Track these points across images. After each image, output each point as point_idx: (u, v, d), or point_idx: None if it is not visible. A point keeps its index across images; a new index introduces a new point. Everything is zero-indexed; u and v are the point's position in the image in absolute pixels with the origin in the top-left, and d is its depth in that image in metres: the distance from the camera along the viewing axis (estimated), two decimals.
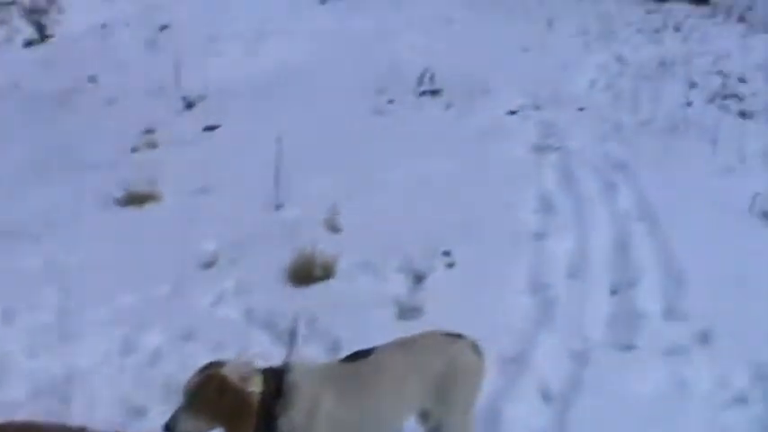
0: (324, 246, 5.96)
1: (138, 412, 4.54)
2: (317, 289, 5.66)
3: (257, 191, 7.06)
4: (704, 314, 5.23)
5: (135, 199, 7.29)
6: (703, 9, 23.96)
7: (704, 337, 5.08)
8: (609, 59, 14.04)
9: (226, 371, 3.36)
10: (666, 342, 5.05)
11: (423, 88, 10.74)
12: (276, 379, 3.42)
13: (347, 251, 6.01)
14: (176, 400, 4.51)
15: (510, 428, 4.24)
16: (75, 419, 4.02)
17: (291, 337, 3.61)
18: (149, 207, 7.22)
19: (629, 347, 5.02)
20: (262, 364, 3.56)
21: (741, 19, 21.00)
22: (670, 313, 5.39)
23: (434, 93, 10.64)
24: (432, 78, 10.87)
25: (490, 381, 3.99)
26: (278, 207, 6.93)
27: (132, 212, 7.14)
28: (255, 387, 3.37)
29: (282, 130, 7.58)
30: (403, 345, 3.72)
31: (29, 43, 14.63)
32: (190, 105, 10.35)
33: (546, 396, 4.56)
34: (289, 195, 6.97)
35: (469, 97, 10.39)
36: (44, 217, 7.00)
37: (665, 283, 5.75)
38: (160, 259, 6.18)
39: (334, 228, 6.55)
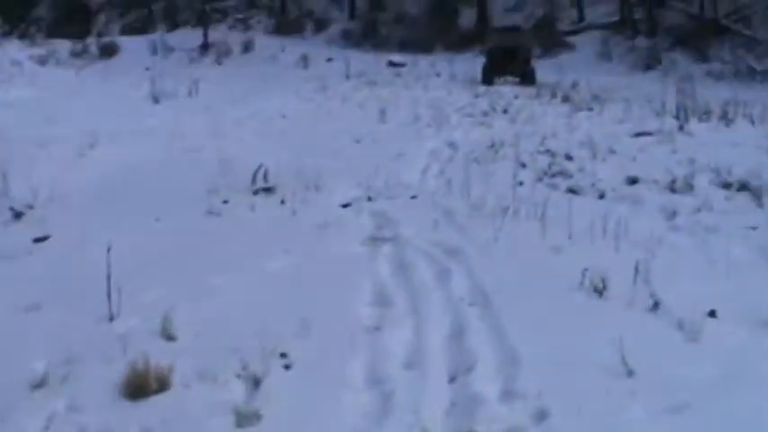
0: (159, 356, 5.84)
1: None
2: (152, 402, 5.51)
3: (90, 304, 6.89)
4: (540, 393, 5.36)
5: None
6: (530, 90, 25.00)
7: (541, 416, 5.20)
8: (440, 145, 14.45)
9: None
10: (504, 424, 5.14)
11: (256, 186, 10.79)
12: None
13: (183, 360, 5.91)
14: None
15: None
16: None
17: None
18: None
19: None
20: None
21: (565, 99, 21.98)
22: (507, 395, 5.50)
23: (268, 190, 10.71)
24: (265, 176, 10.94)
25: None
26: (111, 319, 6.78)
27: None
28: None
29: (115, 238, 7.45)
30: None
31: None
32: (18, 216, 10.08)
33: None
34: (122, 306, 6.83)
35: (304, 192, 10.50)
36: None
37: (500, 366, 5.88)
38: None
39: (169, 336, 6.44)
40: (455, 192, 10.81)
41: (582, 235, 8.56)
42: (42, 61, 38.02)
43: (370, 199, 10.54)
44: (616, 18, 41.63)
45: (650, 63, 35.18)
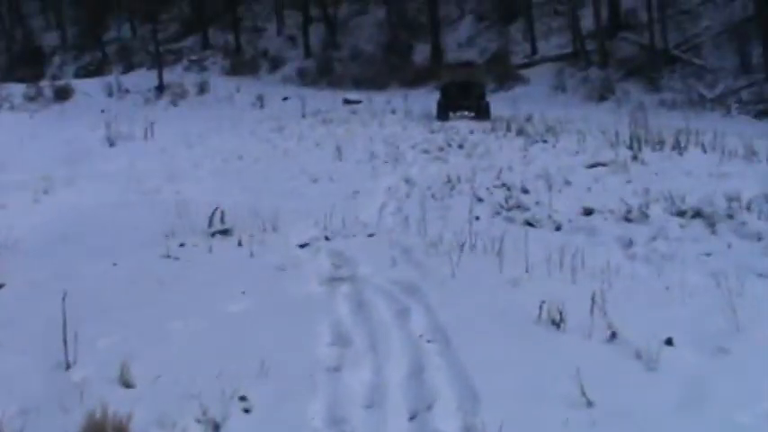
0: (117, 404, 5.76)
1: None
2: None
3: (45, 351, 6.81)
4: (501, 427, 5.35)
5: None
6: (485, 124, 25.20)
7: None
8: (397, 182, 14.51)
9: None
10: None
11: (213, 228, 10.77)
12: None
13: (142, 407, 5.83)
14: None
15: None
16: None
17: None
18: None
19: None
20: None
21: (520, 132, 22.19)
22: (467, 431, 5.50)
23: (225, 232, 10.68)
24: (222, 218, 10.92)
25: None
26: (68, 367, 6.71)
27: None
28: None
29: (71, 284, 7.42)
30: None
31: None
32: None
33: None
34: (79, 353, 6.75)
35: (261, 234, 10.50)
36: None
37: (461, 402, 5.89)
38: None
39: (127, 383, 6.37)
40: (412, 228, 10.86)
41: (539, 267, 8.63)
42: None
43: (327, 238, 10.56)
44: (569, 50, 42.20)
45: (604, 94, 35.66)
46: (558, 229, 10.90)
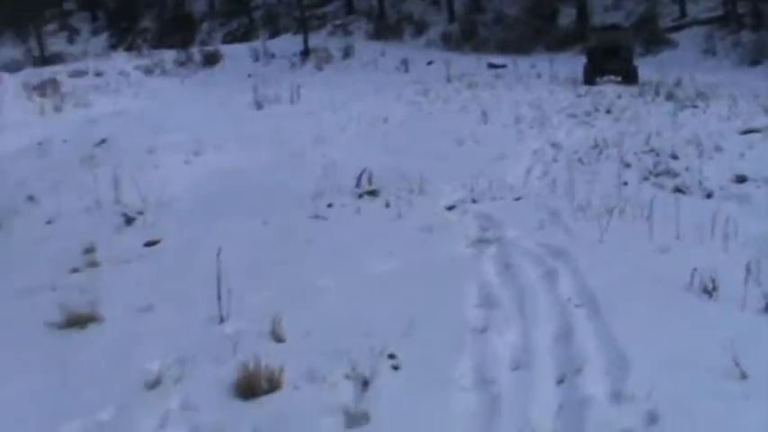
0: (269, 357, 5.93)
1: None
2: (263, 402, 5.59)
3: (201, 305, 7.05)
4: (650, 395, 5.24)
5: (76, 321, 7.20)
6: (632, 89, 24.59)
7: (651, 419, 5.10)
8: (543, 146, 14.33)
9: None
10: (614, 427, 5.06)
11: (360, 190, 10.87)
12: None
13: (292, 361, 5.98)
14: None
15: None
16: None
17: None
18: (91, 329, 7.14)
19: None
20: None
21: (669, 96, 21.58)
22: (616, 397, 5.40)
23: (372, 193, 10.77)
24: (369, 179, 11.01)
25: None
26: (222, 321, 6.91)
27: (74, 335, 7.05)
28: None
29: (223, 242, 7.58)
30: None
31: None
32: (129, 221, 10.36)
33: None
34: (232, 308, 6.96)
35: (408, 195, 10.54)
36: None
37: (609, 367, 5.78)
38: (103, 381, 6.09)
39: (278, 338, 6.54)
40: (559, 192, 10.73)
41: (690, 235, 8.40)
42: (148, 71, 39.06)
43: (474, 201, 10.54)
44: (719, 12, 40.71)
45: (756, 58, 34.23)
46: (708, 196, 10.58)
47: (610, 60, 28.63)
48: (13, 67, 38.90)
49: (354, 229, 9.34)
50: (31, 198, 11.90)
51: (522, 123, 17.28)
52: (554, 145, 14.54)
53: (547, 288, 7.30)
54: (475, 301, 7.12)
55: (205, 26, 60.01)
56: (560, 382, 5.72)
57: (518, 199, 10.56)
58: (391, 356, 6.10)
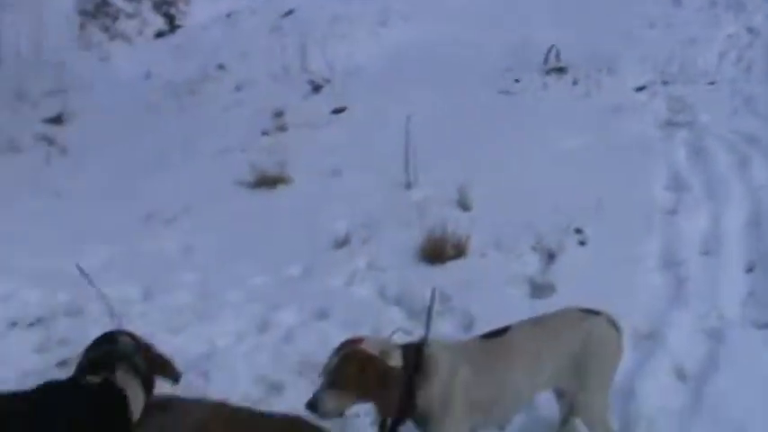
0: (455, 224, 5.99)
1: (276, 388, 4.66)
2: (449, 267, 5.68)
3: (387, 171, 7.15)
4: None
5: (266, 182, 7.46)
6: None
7: None
8: (739, 31, 13.65)
9: (366, 346, 3.44)
10: None
11: (549, 66, 10.68)
12: (415, 354, 3.48)
13: (478, 230, 6.03)
14: (313, 377, 4.69)
15: (644, 406, 4.16)
16: (214, 395, 4.21)
17: (429, 312, 3.67)
18: (281, 189, 7.38)
19: (766, 325, 4.91)
20: (399, 340, 3.63)
21: None
22: None
23: (560, 70, 10.57)
24: (557, 56, 10.80)
25: (624, 357, 3.95)
26: (408, 187, 7.02)
27: (264, 195, 7.31)
28: (395, 362, 3.44)
29: (410, 111, 7.60)
30: (539, 322, 3.74)
31: (159, 34, 15.04)
32: (317, 88, 10.52)
33: (680, 374, 4.46)
34: (418, 175, 7.04)
35: (596, 74, 10.29)
36: (180, 201, 7.21)
37: None
38: (292, 240, 6.33)
39: (464, 206, 6.59)
40: (755, 78, 10.26)
41: None
42: None
43: (665, 83, 10.20)
44: None
45: None
46: None
47: None
48: None
49: (542, 105, 9.21)
50: (221, 66, 12.22)
51: (718, 7, 16.50)
52: (750, 30, 13.84)
53: (739, 174, 7.03)
54: (664, 183, 6.95)
55: None
56: (750, 269, 5.56)
57: (711, 83, 10.15)
58: (578, 231, 6.06)
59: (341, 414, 3.44)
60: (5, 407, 3.15)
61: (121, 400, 3.35)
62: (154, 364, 3.57)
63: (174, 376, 3.67)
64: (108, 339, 3.58)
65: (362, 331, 4.60)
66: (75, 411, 3.22)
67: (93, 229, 6.58)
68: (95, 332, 4.85)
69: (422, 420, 3.50)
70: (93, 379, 3.31)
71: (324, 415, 3.41)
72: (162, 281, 5.83)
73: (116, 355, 3.45)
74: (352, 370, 3.35)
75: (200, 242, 6.44)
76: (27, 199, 7.29)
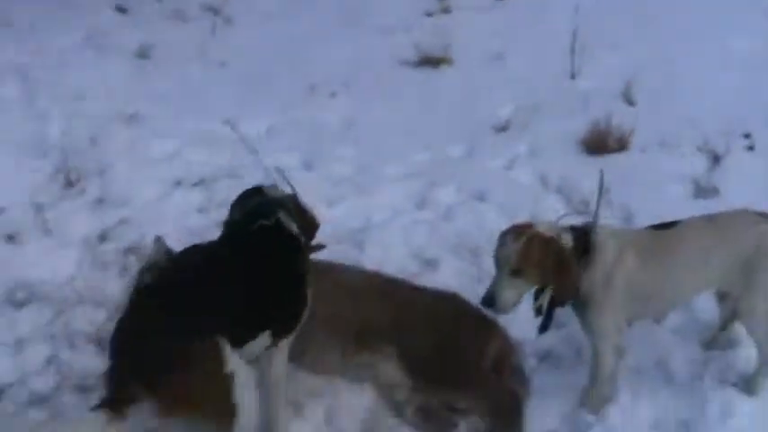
0: (619, 118, 5.88)
1: (430, 264, 4.74)
2: (610, 160, 5.57)
3: (552, 59, 7.00)
4: None
5: (429, 61, 7.41)
6: None
7: None
8: None
9: (541, 230, 3.44)
10: None
11: None
12: (583, 237, 3.47)
13: (642, 125, 5.89)
14: (468, 257, 4.74)
15: None
16: (369, 266, 4.28)
17: (599, 196, 3.60)
18: (443, 70, 7.32)
19: None
20: (566, 224, 3.60)
21: None
22: None
23: None
24: None
25: None
26: (573, 76, 6.89)
27: (426, 74, 7.27)
28: (567, 244, 3.43)
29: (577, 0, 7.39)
30: (711, 219, 3.67)
31: None
32: None
33: None
34: (583, 66, 6.89)
35: None
36: (342, 74, 7.24)
37: None
38: (453, 120, 6.32)
39: (629, 100, 6.44)
40: None
41: None
42: None
43: None
44: None
45: None
46: None
47: None
48: None
49: (714, 4, 8.76)
50: None
51: None
52: None
53: None
54: None
55: None
56: None
57: None
58: (746, 136, 5.86)
59: (515, 306, 3.44)
60: (218, 252, 3.30)
61: (298, 241, 3.48)
62: (303, 216, 3.65)
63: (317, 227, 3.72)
64: (257, 192, 3.68)
65: (521, 216, 4.61)
66: (277, 251, 3.37)
67: (257, 99, 6.68)
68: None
69: (581, 304, 3.52)
70: (266, 223, 3.40)
71: (501, 309, 3.43)
72: (322, 152, 5.92)
73: (275, 203, 3.55)
74: (536, 253, 3.36)
75: (362, 116, 6.48)
76: (194, 67, 7.41)
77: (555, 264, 3.36)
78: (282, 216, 3.45)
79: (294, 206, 3.60)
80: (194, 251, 3.29)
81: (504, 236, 3.45)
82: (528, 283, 3.40)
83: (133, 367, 2.68)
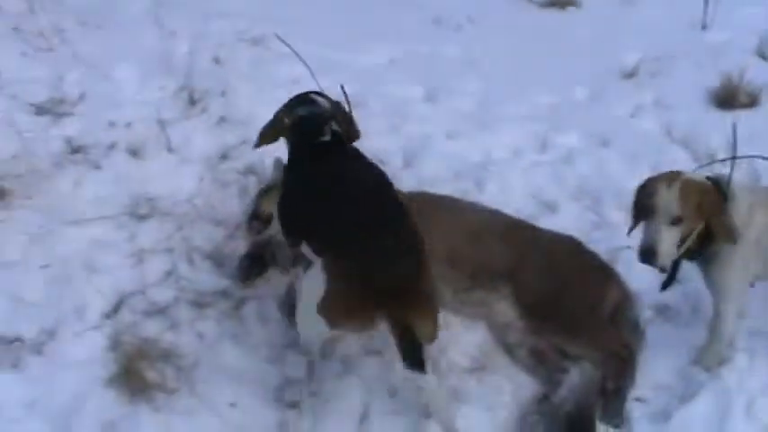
0: (751, 73, 5.70)
1: (550, 207, 4.70)
2: (739, 115, 5.34)
3: (684, 8, 6.82)
4: None
5: (556, 2, 7.30)
6: None
7: None
8: None
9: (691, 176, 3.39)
10: None
11: None
12: (719, 188, 3.39)
13: None
14: (588, 203, 4.68)
15: None
16: (487, 204, 4.22)
17: (733, 148, 3.51)
18: (570, 12, 7.20)
19: None
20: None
21: None
22: None
23: None
24: None
25: None
26: (704, 28, 6.70)
27: (552, 15, 7.16)
28: None
29: None
30: None
31: None
32: None
33: None
34: (716, 17, 6.69)
35: None
36: (467, 9, 7.12)
37: None
38: (579, 64, 6.18)
39: (763, 55, 6.24)
40: None
41: None
42: None
43: None
44: None
45: None
46: None
47: None
48: None
49: None
50: None
51: None
52: None
53: None
54: None
55: None
56: None
57: None
58: None
59: (672, 258, 3.38)
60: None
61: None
62: (348, 124, 3.79)
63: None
64: (307, 100, 3.80)
65: (643, 166, 4.53)
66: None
67: (381, 29, 6.61)
68: (377, 125, 5.07)
69: (707, 260, 3.45)
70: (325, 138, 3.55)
71: (663, 262, 3.34)
72: (444, 85, 5.84)
73: (326, 114, 3.67)
74: (694, 198, 3.29)
75: (486, 53, 6.36)
76: None
77: (713, 209, 3.30)
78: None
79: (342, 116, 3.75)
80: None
81: (652, 183, 3.38)
82: (685, 231, 3.31)
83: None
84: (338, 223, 3.14)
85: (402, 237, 3.11)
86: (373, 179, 3.40)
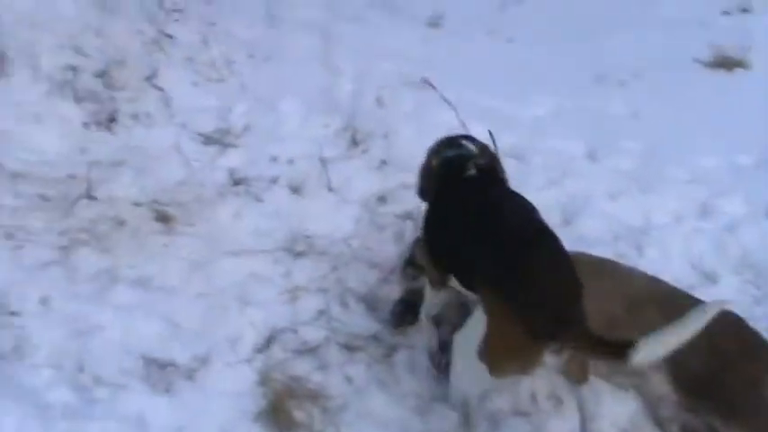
0: None
1: (710, 278, 4.56)
2: None
3: None
4: None
5: (724, 63, 7.07)
6: None
7: None
8: None
9: None
10: None
11: None
12: None
13: None
14: (750, 278, 4.51)
15: None
16: (645, 269, 4.11)
17: None
18: (738, 73, 6.98)
19: None
20: None
21: None
22: None
23: None
24: None
25: None
26: None
27: (720, 76, 6.94)
28: None
29: None
30: None
31: None
32: None
33: None
34: None
35: None
36: (631, 65, 7.00)
37: None
38: (747, 127, 5.97)
39: None
40: None
41: None
42: None
43: None
44: None
45: None
46: None
47: None
48: None
49: None
50: None
51: None
52: None
53: None
54: None
55: None
56: None
57: None
58: None
59: None
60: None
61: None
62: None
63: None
64: (454, 143, 3.91)
65: None
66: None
67: (542, 80, 6.56)
68: (536, 180, 5.03)
69: None
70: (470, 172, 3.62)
71: None
72: (606, 143, 5.76)
73: (471, 154, 3.76)
74: None
75: (650, 111, 6.25)
76: (482, 40, 7.38)
77: None
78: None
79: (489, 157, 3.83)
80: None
81: None
82: None
83: None
84: (495, 255, 3.11)
85: (563, 272, 3.08)
86: (525, 206, 3.43)
